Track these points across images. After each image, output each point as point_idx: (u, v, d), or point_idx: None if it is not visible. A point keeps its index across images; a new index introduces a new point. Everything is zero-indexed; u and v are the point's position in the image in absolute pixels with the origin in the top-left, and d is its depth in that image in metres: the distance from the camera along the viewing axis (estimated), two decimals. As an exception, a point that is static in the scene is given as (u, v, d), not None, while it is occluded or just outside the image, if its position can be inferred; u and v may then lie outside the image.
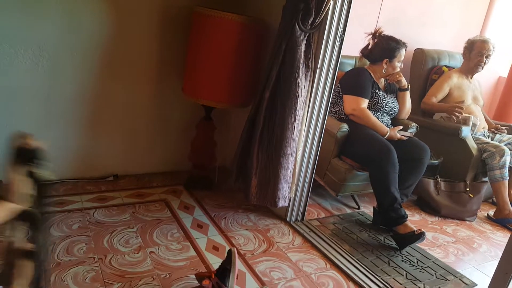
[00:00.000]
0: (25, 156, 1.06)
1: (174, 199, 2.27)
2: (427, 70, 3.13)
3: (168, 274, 1.64)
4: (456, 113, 2.76)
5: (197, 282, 1.55)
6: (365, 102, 2.36)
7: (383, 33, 2.45)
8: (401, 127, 2.46)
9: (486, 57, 2.89)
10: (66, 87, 2.09)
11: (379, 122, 2.36)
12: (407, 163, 2.32)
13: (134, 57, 2.22)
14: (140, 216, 2.03)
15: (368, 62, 2.53)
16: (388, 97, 2.48)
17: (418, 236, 1.99)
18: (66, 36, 2.00)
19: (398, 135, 2.37)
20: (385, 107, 2.43)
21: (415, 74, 3.18)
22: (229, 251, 1.57)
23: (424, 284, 1.81)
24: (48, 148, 2.21)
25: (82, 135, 2.23)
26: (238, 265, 1.73)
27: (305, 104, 1.95)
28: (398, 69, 2.46)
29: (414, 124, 2.55)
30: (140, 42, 2.22)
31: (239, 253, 1.83)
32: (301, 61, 1.86)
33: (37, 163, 1.07)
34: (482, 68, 2.94)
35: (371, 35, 2.47)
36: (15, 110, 2.01)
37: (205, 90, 2.08)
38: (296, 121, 1.90)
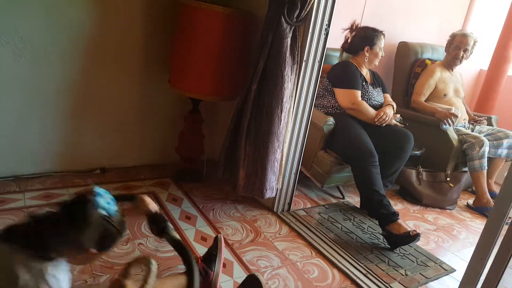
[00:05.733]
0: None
1: (162, 191, 2.29)
2: (410, 63, 3.20)
3: (157, 264, 1.66)
4: (450, 121, 2.76)
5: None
6: (360, 95, 2.41)
7: (359, 25, 2.51)
8: (399, 115, 2.54)
9: (464, 51, 2.95)
10: (50, 80, 2.07)
11: (376, 113, 2.42)
12: (392, 151, 2.39)
13: (120, 48, 2.21)
14: (128, 208, 2.04)
15: (350, 56, 2.58)
16: (374, 91, 2.53)
17: (414, 237, 1.95)
18: (49, 28, 1.98)
19: (394, 121, 2.45)
20: (371, 99, 2.48)
21: (399, 67, 3.24)
22: (216, 238, 1.61)
23: (405, 270, 1.88)
24: (34, 141, 2.20)
25: (68, 127, 2.22)
26: (226, 254, 1.78)
27: (292, 96, 1.99)
28: (379, 57, 2.50)
29: (398, 115, 2.61)
30: (125, 33, 2.20)
31: (226, 243, 1.87)
32: (287, 54, 1.88)
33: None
34: (460, 62, 3.01)
35: (349, 29, 2.53)
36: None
37: (191, 82, 2.10)
38: (283, 113, 1.93)
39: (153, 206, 1.25)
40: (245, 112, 1.97)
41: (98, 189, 1.01)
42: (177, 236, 1.19)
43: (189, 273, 1.05)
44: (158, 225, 1.21)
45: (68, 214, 0.96)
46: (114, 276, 1.57)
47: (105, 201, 1.00)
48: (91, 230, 0.95)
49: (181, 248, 1.13)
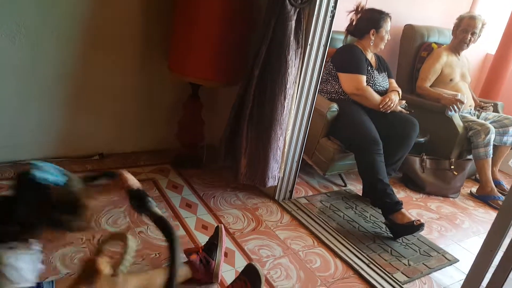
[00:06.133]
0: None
1: (162, 178, 2.26)
2: (416, 47, 3.11)
3: (158, 253, 1.64)
4: (456, 107, 2.69)
5: (185, 257, 1.55)
6: (364, 80, 2.34)
7: (365, 7, 2.42)
8: (404, 101, 2.48)
9: (472, 34, 2.86)
10: (47, 65, 2.01)
11: (379, 98, 2.36)
12: (396, 138, 2.34)
13: (117, 32, 2.14)
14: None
15: (355, 40, 2.50)
16: (380, 76, 2.46)
17: (417, 227, 1.92)
18: (45, 12, 1.90)
19: (399, 108, 2.40)
20: (376, 85, 2.42)
21: (404, 51, 3.15)
22: (217, 228, 1.58)
23: (408, 260, 1.86)
24: (31, 126, 2.15)
25: (66, 113, 2.17)
26: (227, 243, 1.75)
27: (295, 82, 1.92)
28: (385, 41, 2.43)
29: (403, 101, 2.55)
30: (124, 16, 2.12)
31: (228, 231, 1.85)
32: (291, 38, 1.81)
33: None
34: (467, 46, 2.92)
35: (354, 11, 2.45)
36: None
37: (191, 66, 2.03)
38: (286, 100, 1.88)
39: (133, 182, 1.17)
40: (247, 98, 1.91)
41: (37, 163, 0.93)
42: (159, 213, 1.12)
43: (171, 249, 0.99)
44: (139, 201, 1.13)
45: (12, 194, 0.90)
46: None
47: (45, 172, 0.92)
48: (31, 205, 0.88)
49: (163, 224, 1.06)
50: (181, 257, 1.50)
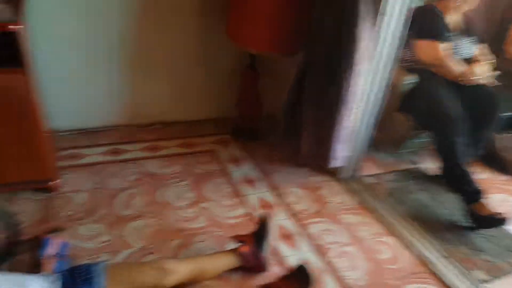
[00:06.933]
0: None
1: (222, 150, 2.23)
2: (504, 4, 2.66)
3: (222, 232, 1.65)
4: None
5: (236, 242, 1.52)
6: (444, 48, 2.06)
7: None
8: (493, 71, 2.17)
9: None
10: (110, 32, 1.99)
11: (461, 69, 2.08)
12: (481, 116, 2.08)
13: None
14: (191, 168, 2.02)
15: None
16: (464, 41, 2.15)
17: (499, 221, 1.75)
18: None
19: (485, 80, 2.10)
20: (460, 52, 2.12)
21: (491, 9, 2.71)
22: (262, 218, 1.51)
23: (489, 256, 1.69)
24: (99, 94, 2.19)
25: (130, 81, 2.17)
26: (288, 225, 1.71)
27: (366, 57, 1.72)
28: (475, 4, 2.08)
29: (493, 72, 2.22)
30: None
31: (290, 212, 1.80)
32: (361, 5, 1.59)
33: None
34: None
35: None
36: (60, 56, 1.96)
37: (247, 36, 1.90)
38: (353, 76, 1.69)
39: None
40: (308, 73, 1.76)
41: None
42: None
43: None
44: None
45: None
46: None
47: None
48: None
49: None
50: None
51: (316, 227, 1.74)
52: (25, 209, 1.63)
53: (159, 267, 1.28)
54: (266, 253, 1.45)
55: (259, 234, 1.47)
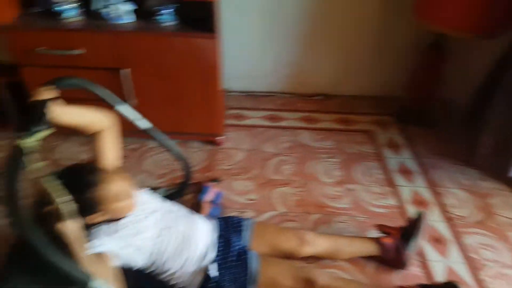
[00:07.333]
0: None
1: (380, 132, 2.12)
2: None
3: (365, 218, 1.61)
4: None
5: (380, 232, 1.45)
6: None
7: None
8: None
9: None
10: (295, 6, 2.04)
11: None
12: None
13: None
14: (343, 146, 2.00)
15: None
16: None
17: None
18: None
19: None
20: None
21: None
22: (419, 214, 1.39)
23: None
24: (268, 61, 2.28)
25: (300, 50, 2.22)
26: (443, 229, 1.56)
27: None
28: None
29: None
30: None
31: (446, 215, 1.62)
32: None
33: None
34: None
35: None
36: (244, 25, 2.11)
37: (438, 11, 1.67)
38: None
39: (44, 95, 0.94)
40: (510, 63, 1.46)
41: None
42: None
43: None
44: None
45: None
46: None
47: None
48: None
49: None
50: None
51: (474, 239, 1.53)
52: (194, 157, 1.89)
53: (300, 237, 1.34)
54: (412, 251, 1.36)
55: (408, 231, 1.38)
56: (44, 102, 0.90)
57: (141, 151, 1.91)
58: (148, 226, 1.14)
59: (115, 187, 1.06)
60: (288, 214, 1.61)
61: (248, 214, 1.59)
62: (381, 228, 1.45)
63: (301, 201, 1.67)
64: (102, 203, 1.04)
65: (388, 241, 1.38)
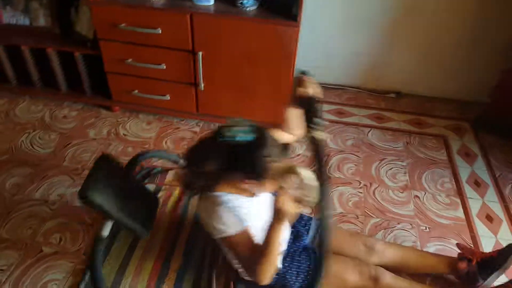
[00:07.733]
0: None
1: (455, 138, 2.01)
2: None
3: (428, 227, 1.56)
4: None
5: (456, 249, 1.40)
6: None
7: None
8: None
9: None
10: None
11: None
12: None
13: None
14: (413, 150, 1.93)
15: None
16: None
17: None
18: None
19: None
20: None
21: None
22: (508, 246, 1.29)
23: None
24: (339, 51, 2.20)
25: (379, 44, 2.14)
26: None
27: None
28: None
29: None
30: None
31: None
32: None
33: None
34: None
35: None
36: (326, 15, 2.07)
37: None
38: None
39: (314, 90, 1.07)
40: None
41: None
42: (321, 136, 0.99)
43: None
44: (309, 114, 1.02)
45: None
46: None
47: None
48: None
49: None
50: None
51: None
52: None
53: (370, 245, 1.30)
54: (489, 285, 1.28)
55: (493, 262, 1.27)
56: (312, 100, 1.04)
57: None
58: (261, 212, 1.10)
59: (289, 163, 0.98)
60: (346, 215, 1.60)
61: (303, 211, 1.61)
62: (463, 248, 1.36)
63: (360, 202, 1.65)
64: (271, 175, 0.96)
65: (463, 266, 1.29)
